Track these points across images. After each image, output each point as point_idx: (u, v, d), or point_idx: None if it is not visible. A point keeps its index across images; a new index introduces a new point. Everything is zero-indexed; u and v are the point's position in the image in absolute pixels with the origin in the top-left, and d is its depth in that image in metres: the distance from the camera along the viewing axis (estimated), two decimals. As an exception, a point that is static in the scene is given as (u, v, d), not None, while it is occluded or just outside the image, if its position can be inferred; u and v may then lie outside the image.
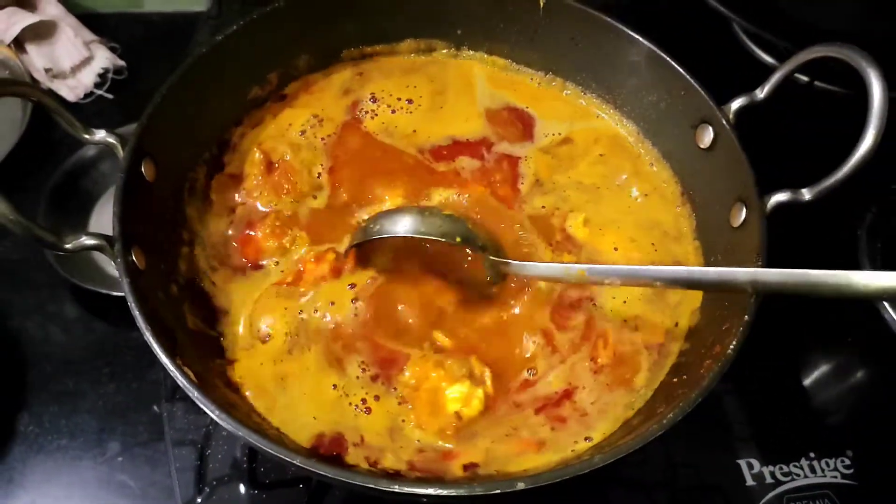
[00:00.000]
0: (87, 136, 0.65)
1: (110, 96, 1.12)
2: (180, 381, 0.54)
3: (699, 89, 0.77)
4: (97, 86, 1.13)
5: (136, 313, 0.56)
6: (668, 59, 0.80)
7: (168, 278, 0.70)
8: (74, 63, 1.12)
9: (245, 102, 0.85)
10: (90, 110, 1.11)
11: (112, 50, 1.16)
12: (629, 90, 0.87)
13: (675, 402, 0.58)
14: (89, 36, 1.15)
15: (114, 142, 0.65)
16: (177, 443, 0.77)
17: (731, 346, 0.60)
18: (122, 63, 1.14)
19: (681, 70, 0.78)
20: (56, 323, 0.90)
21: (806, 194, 0.68)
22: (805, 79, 1.08)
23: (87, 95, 1.12)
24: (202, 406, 0.53)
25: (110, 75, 1.13)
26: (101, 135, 0.65)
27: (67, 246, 0.59)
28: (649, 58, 0.82)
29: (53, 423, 0.83)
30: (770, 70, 0.74)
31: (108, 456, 0.80)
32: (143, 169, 0.67)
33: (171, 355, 0.55)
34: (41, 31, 1.12)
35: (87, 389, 0.85)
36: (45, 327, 0.90)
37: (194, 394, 0.53)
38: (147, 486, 0.79)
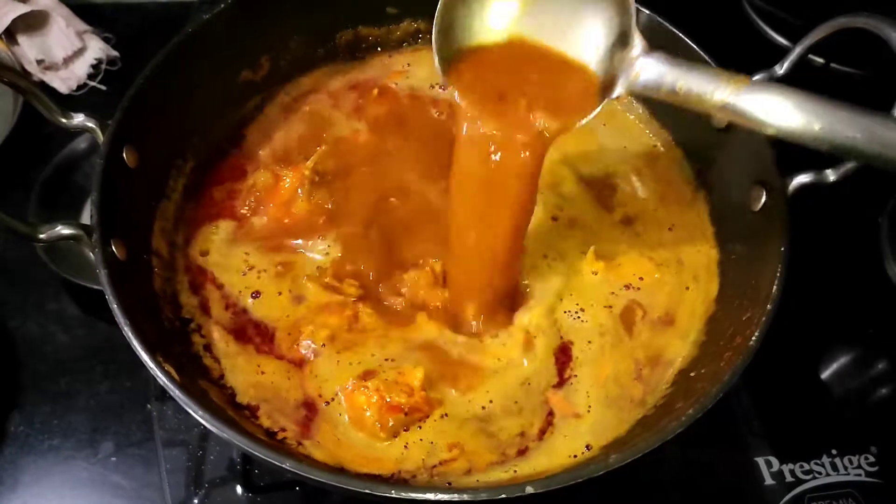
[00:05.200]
0: (63, 121, 0.63)
1: (104, 87, 1.10)
2: (161, 379, 0.51)
3: (714, 66, 0.73)
4: (90, 77, 1.10)
5: (115, 307, 0.54)
6: (679, 34, 0.76)
7: (150, 270, 0.68)
8: (67, 54, 1.10)
9: (236, 87, 0.83)
10: (83, 102, 1.09)
11: (105, 40, 1.13)
12: (639, 70, 0.84)
13: (694, 397, 0.55)
14: (82, 26, 1.13)
15: (93, 126, 0.63)
16: (167, 443, 0.75)
17: (754, 338, 0.57)
18: (115, 54, 1.12)
19: (693, 45, 0.75)
20: (49, 321, 0.88)
21: (830, 175, 0.64)
22: (821, 60, 1.05)
23: (80, 87, 1.10)
24: (184, 405, 0.50)
25: (104, 66, 1.11)
26: (79, 119, 0.63)
27: (41, 236, 0.57)
28: (659, 34, 0.78)
29: (45, 423, 0.81)
30: (783, 51, 0.70)
31: (102, 456, 0.79)
32: (124, 155, 0.65)
33: (152, 352, 0.53)
34: (33, 22, 1.10)
35: (80, 388, 0.83)
36: (39, 326, 0.88)
37: (176, 392, 0.50)
38: (141, 486, 0.77)
